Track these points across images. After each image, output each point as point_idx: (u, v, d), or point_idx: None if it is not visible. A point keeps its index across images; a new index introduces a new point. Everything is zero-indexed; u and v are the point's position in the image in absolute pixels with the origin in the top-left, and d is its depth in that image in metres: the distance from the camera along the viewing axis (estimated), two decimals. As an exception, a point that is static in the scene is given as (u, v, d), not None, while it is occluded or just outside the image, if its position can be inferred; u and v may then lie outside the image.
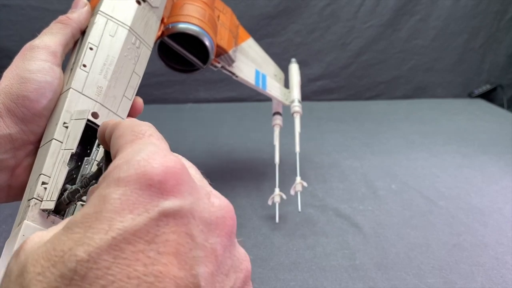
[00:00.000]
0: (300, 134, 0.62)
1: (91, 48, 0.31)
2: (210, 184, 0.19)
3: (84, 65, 0.30)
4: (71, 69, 0.31)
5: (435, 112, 1.13)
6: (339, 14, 1.17)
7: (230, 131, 0.94)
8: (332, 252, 0.52)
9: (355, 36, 1.20)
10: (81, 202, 0.27)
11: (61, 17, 0.32)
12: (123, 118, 0.32)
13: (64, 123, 0.28)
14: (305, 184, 0.58)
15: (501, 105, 1.25)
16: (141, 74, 0.34)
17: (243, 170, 0.75)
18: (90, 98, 0.30)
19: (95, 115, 0.29)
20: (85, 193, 0.24)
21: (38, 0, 1.00)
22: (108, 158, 0.21)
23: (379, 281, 0.47)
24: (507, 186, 0.71)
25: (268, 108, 1.16)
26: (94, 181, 0.23)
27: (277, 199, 0.58)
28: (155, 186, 0.15)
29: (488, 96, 1.31)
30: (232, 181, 0.70)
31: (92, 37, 0.32)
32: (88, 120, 0.28)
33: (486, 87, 1.31)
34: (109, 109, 0.31)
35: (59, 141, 0.28)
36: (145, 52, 0.35)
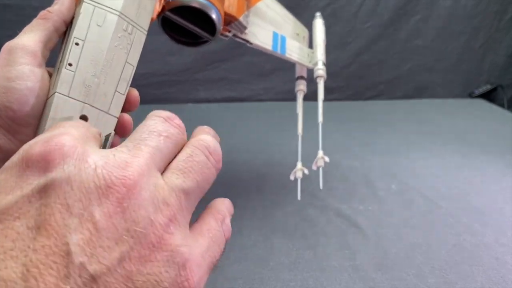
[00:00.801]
0: (323, 101, 0.57)
1: (77, 44, 0.28)
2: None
3: (70, 64, 0.28)
4: (58, 69, 0.29)
5: (435, 112, 1.13)
6: (339, 14, 1.17)
7: (230, 131, 0.94)
8: (332, 252, 0.52)
9: (355, 36, 1.20)
10: None
11: (42, 12, 0.30)
12: (116, 116, 0.30)
13: None
14: (327, 159, 0.54)
15: (501, 105, 1.25)
16: (135, 63, 0.32)
17: (243, 170, 0.75)
18: (78, 100, 0.28)
19: (83, 118, 0.28)
20: None
21: (38, 0, 1.00)
22: None
23: (379, 281, 0.47)
24: (507, 186, 0.71)
25: (268, 108, 1.16)
26: None
27: (299, 174, 0.54)
28: (34, 166, 0.16)
29: (488, 96, 1.31)
30: (232, 181, 0.70)
31: (78, 30, 0.29)
32: None
33: (487, 87, 1.31)
34: (99, 109, 0.29)
35: None
36: (139, 37, 0.32)
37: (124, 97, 0.31)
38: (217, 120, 1.02)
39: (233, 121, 1.01)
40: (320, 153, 0.55)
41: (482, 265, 0.51)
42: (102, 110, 0.29)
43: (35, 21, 0.30)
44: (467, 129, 0.99)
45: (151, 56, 1.12)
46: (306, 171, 0.55)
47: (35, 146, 0.16)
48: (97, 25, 0.29)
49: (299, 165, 0.55)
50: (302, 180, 0.71)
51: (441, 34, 1.23)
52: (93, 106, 0.28)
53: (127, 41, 0.31)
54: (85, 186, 0.16)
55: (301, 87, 0.61)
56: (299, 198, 0.56)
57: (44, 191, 0.15)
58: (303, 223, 0.59)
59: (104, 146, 0.27)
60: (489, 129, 1.00)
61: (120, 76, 0.30)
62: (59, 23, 0.30)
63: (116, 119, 0.30)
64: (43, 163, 0.16)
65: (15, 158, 0.16)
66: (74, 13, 0.31)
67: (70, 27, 0.30)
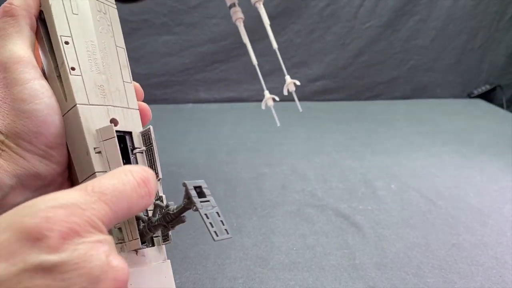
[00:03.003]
0: (278, 49, 0.58)
1: (66, 43, 0.25)
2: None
3: (73, 68, 0.25)
4: (58, 77, 0.26)
5: (434, 112, 1.13)
6: (339, 15, 1.17)
7: (230, 131, 0.94)
8: (331, 252, 0.52)
9: (355, 36, 1.20)
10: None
11: (5, 6, 0.26)
12: (136, 109, 0.28)
13: (95, 148, 0.25)
14: (297, 82, 0.55)
15: (500, 105, 1.25)
16: (123, 44, 0.29)
17: (243, 170, 0.75)
18: (99, 105, 0.26)
19: (114, 122, 0.26)
20: (172, 227, 0.24)
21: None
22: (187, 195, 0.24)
23: (378, 281, 0.47)
24: (506, 186, 0.71)
25: (268, 108, 1.16)
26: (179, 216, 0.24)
27: (270, 103, 0.57)
28: (35, 238, 0.15)
29: (487, 96, 1.31)
30: (232, 181, 0.70)
31: (60, 28, 0.26)
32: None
33: (485, 87, 1.31)
34: (122, 107, 0.27)
35: (102, 171, 0.25)
36: (114, 13, 0.29)
37: (132, 86, 0.29)
38: (217, 120, 1.02)
39: (233, 121, 1.01)
40: (288, 78, 0.57)
41: (482, 264, 0.51)
42: (123, 107, 0.27)
43: (2, 21, 0.25)
44: (466, 129, 0.99)
45: (151, 57, 1.13)
46: (277, 98, 0.57)
47: (38, 214, 0.15)
48: (74, 13, 0.26)
49: (267, 94, 0.57)
50: (302, 180, 0.72)
51: (440, 35, 1.24)
52: (115, 106, 0.26)
53: (107, 22, 0.28)
54: (92, 274, 0.15)
55: (239, 15, 0.60)
56: (278, 124, 0.57)
57: (48, 271, 0.15)
58: (302, 223, 0.59)
59: (150, 141, 0.27)
60: (488, 129, 1.00)
61: (119, 64, 0.28)
62: (31, 19, 0.26)
63: (138, 112, 0.28)
64: (46, 239, 0.15)
65: (16, 218, 0.15)
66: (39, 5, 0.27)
67: (41, 19, 0.27)
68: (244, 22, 0.62)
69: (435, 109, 1.16)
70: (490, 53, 1.29)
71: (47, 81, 0.26)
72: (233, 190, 0.67)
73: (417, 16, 1.21)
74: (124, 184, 0.19)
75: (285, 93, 0.55)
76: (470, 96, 1.31)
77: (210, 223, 0.24)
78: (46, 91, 0.25)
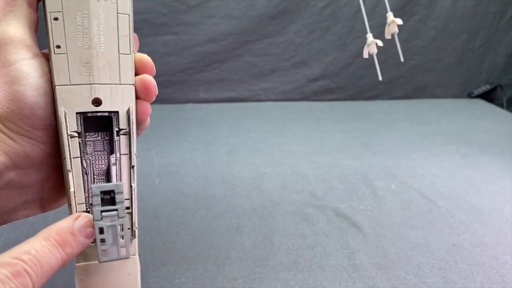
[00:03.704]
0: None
1: (55, 19, 0.24)
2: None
3: (58, 46, 0.24)
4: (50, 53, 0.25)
5: (434, 112, 1.13)
6: (339, 15, 1.17)
7: (230, 131, 0.94)
8: (331, 252, 0.52)
9: (355, 36, 1.20)
10: None
11: None
12: (131, 84, 0.26)
13: (67, 134, 0.25)
14: (399, 21, 0.41)
15: (500, 105, 1.25)
16: (129, 10, 0.27)
17: (243, 170, 0.75)
18: (82, 84, 0.25)
19: (96, 101, 0.25)
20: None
21: (38, 1, 1.00)
22: None
23: (378, 281, 0.47)
24: (506, 186, 0.71)
25: (268, 108, 1.16)
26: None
27: (373, 50, 0.44)
28: None
29: (487, 96, 1.31)
30: (232, 181, 0.70)
31: (50, 3, 0.24)
32: (91, 114, 0.25)
33: (486, 87, 1.31)
34: (110, 83, 0.25)
35: (77, 157, 0.25)
36: None
37: (131, 57, 0.27)
38: (217, 120, 1.02)
39: (233, 121, 1.01)
40: (391, 15, 0.43)
41: (482, 264, 0.51)
42: (113, 84, 0.26)
43: None
44: (466, 129, 0.99)
45: (151, 57, 1.12)
46: (380, 43, 0.44)
47: None
48: None
49: (370, 37, 0.43)
50: (302, 180, 0.72)
51: (440, 34, 1.24)
52: (101, 84, 0.25)
53: None
54: None
55: None
56: (380, 78, 0.46)
57: None
58: (302, 222, 0.59)
59: (128, 122, 0.25)
60: (488, 129, 1.00)
61: (118, 34, 0.26)
62: None
63: (133, 87, 0.27)
64: None
65: None
66: None
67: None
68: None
69: (435, 109, 1.16)
70: (490, 53, 1.29)
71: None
72: (233, 190, 0.67)
73: (417, 16, 1.21)
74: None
75: (388, 36, 0.44)
76: (470, 96, 1.31)
77: (102, 239, 0.21)
78: (34, 72, 0.24)
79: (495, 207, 0.64)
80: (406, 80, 1.27)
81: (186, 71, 1.16)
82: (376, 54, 0.48)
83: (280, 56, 1.18)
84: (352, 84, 1.25)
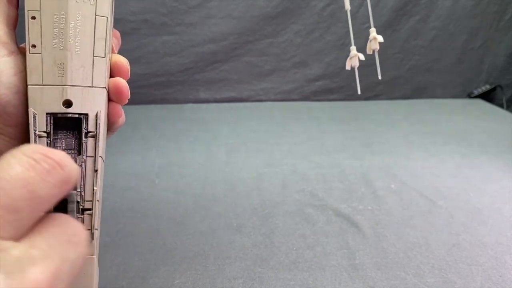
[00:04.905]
0: None
1: (33, 18, 0.24)
2: None
3: (33, 46, 0.24)
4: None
5: (434, 112, 1.13)
6: (339, 15, 1.17)
7: (230, 131, 0.94)
8: (331, 252, 0.52)
9: (355, 36, 1.20)
10: None
11: None
12: (103, 87, 0.26)
13: (36, 133, 0.25)
14: (380, 38, 0.44)
15: (500, 105, 1.25)
16: (108, 12, 0.26)
17: (243, 170, 0.75)
18: (54, 85, 0.25)
19: (67, 103, 0.25)
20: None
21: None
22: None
23: (378, 281, 0.47)
24: (506, 186, 0.71)
25: (268, 108, 1.16)
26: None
27: (355, 63, 0.47)
28: None
29: (487, 96, 1.31)
30: (232, 181, 0.70)
31: (29, 2, 0.24)
32: (61, 115, 0.25)
33: (486, 87, 1.31)
34: (82, 86, 0.25)
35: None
36: None
37: (106, 60, 0.27)
38: (217, 120, 1.02)
39: (233, 121, 1.01)
40: (354, 49, 0.46)
41: (481, 264, 0.51)
42: (85, 86, 0.25)
43: None
44: (466, 129, 0.99)
45: (151, 57, 1.13)
46: (362, 57, 0.47)
47: None
48: None
49: (353, 50, 0.45)
50: (302, 180, 0.72)
51: (440, 35, 1.24)
52: (73, 85, 0.25)
53: None
54: None
55: None
56: (359, 92, 0.46)
57: None
58: (302, 222, 0.59)
59: (96, 126, 0.25)
60: (488, 129, 1.00)
61: (94, 36, 0.26)
62: None
63: (105, 90, 0.27)
64: None
65: None
66: None
67: None
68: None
69: (435, 109, 1.16)
70: (490, 53, 1.29)
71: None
72: (233, 190, 0.67)
73: (417, 16, 1.21)
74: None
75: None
76: (470, 96, 1.31)
77: None
78: (7, 69, 0.24)
79: (495, 207, 0.64)
80: (406, 80, 1.27)
81: (186, 71, 1.16)
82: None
83: (280, 56, 1.18)
84: (352, 84, 1.25)
